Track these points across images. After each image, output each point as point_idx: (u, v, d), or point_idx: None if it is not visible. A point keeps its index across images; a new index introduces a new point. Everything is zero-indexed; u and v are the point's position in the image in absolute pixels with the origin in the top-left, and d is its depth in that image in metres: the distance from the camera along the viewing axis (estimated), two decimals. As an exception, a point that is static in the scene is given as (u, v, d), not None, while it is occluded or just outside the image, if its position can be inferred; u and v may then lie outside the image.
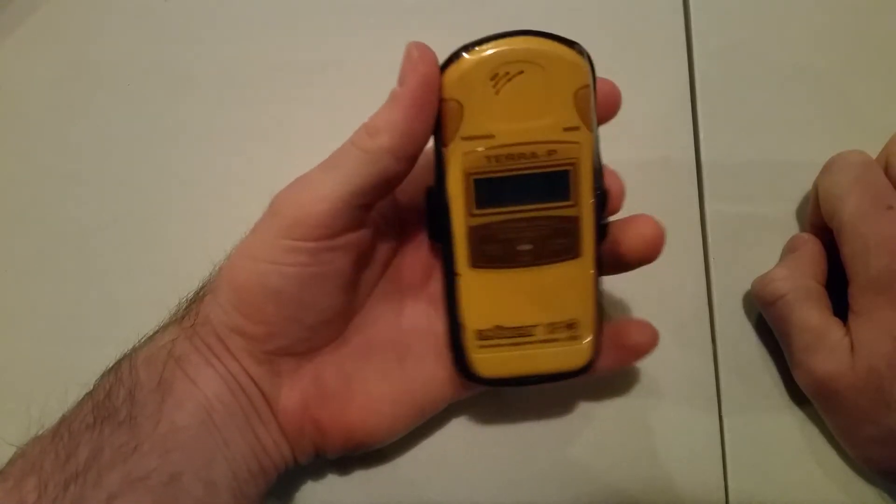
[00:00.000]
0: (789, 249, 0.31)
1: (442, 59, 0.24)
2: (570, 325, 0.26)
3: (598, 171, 0.25)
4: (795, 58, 0.36)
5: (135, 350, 0.26)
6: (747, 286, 0.32)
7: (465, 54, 0.23)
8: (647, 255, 0.26)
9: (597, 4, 0.37)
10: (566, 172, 0.24)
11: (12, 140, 0.36)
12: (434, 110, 0.24)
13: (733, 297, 0.32)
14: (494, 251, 0.25)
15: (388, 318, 0.28)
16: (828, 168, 0.29)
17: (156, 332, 0.26)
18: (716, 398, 0.31)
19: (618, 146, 0.34)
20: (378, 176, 0.24)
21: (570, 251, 0.25)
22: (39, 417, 0.24)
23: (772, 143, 0.34)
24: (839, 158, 0.29)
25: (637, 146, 0.35)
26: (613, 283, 0.32)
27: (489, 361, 0.26)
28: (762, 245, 0.33)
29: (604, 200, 0.25)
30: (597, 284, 0.26)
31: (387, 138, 0.23)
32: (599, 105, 0.25)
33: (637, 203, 0.34)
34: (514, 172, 0.24)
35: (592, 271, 0.25)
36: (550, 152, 0.24)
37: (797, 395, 0.30)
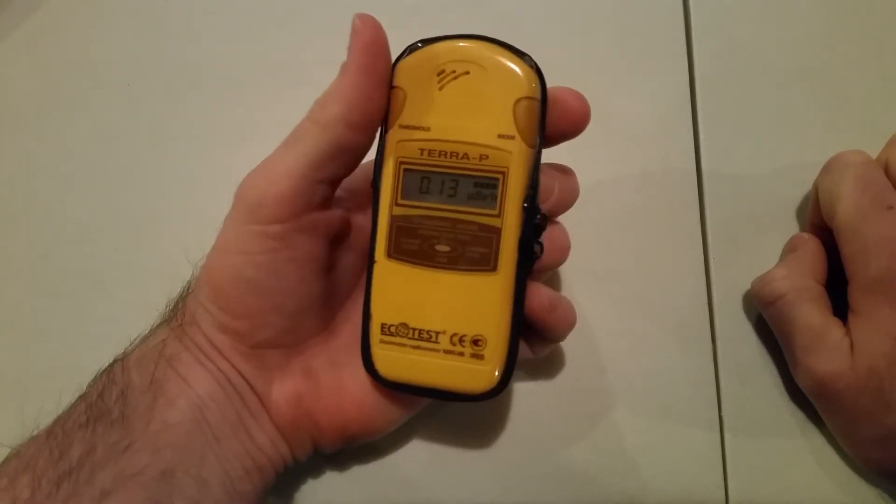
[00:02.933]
0: (789, 249, 0.31)
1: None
2: (476, 342, 0.25)
3: (533, 188, 0.24)
4: (795, 58, 0.36)
5: (127, 352, 0.26)
6: (747, 286, 0.32)
7: (419, 45, 0.24)
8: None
9: (597, 5, 0.37)
10: (495, 180, 0.24)
11: (12, 140, 0.36)
12: (383, 76, 0.24)
13: (733, 297, 0.32)
14: (412, 245, 0.25)
15: None
16: (827, 168, 0.29)
17: (147, 334, 0.27)
18: (716, 398, 0.31)
19: (618, 146, 0.35)
20: (333, 145, 0.24)
21: (486, 263, 0.24)
22: (35, 419, 0.24)
23: (772, 143, 0.34)
24: (839, 158, 0.29)
25: (637, 146, 0.35)
26: (613, 283, 0.32)
27: (389, 360, 0.25)
28: (762, 245, 0.33)
29: (535, 220, 0.24)
30: (515, 308, 0.24)
31: (336, 107, 0.24)
32: (563, 119, 0.25)
33: (637, 202, 0.34)
34: (443, 169, 0.24)
35: (509, 290, 0.24)
36: (482, 157, 0.24)
37: (797, 395, 0.30)
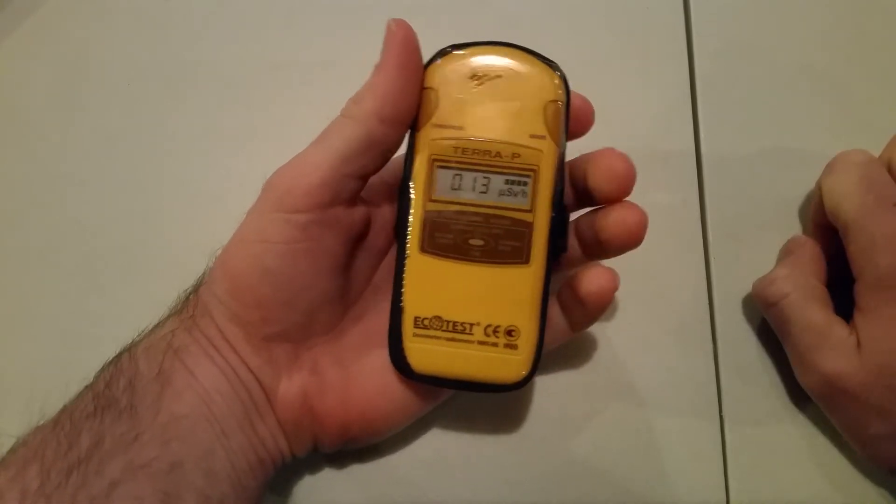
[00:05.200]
0: (786, 252, 0.31)
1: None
2: (510, 332, 0.25)
3: (560, 185, 0.25)
4: (796, 57, 0.36)
5: (134, 343, 0.26)
6: (748, 286, 0.32)
7: (452, 51, 0.26)
8: (629, 243, 0.26)
9: (597, 4, 0.37)
10: (526, 177, 0.25)
11: (12, 140, 0.36)
12: (416, 74, 0.25)
13: (734, 297, 0.32)
14: (445, 240, 0.25)
15: (387, 310, 0.28)
16: (831, 168, 0.29)
17: (155, 326, 0.27)
18: (716, 398, 0.31)
19: (619, 146, 0.35)
20: (364, 139, 0.25)
21: (519, 256, 0.25)
22: (40, 413, 0.24)
23: (772, 142, 0.34)
24: (842, 158, 0.29)
25: (638, 145, 0.35)
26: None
27: (423, 353, 0.26)
28: (763, 245, 0.33)
29: (563, 217, 0.26)
30: (544, 299, 0.26)
31: (370, 101, 0.24)
32: (571, 119, 0.26)
33: (638, 202, 0.34)
34: (476, 167, 0.25)
35: (540, 282, 0.25)
36: (514, 155, 0.25)
37: (798, 396, 0.30)
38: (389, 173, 0.28)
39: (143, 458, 0.23)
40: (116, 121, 0.36)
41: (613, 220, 0.26)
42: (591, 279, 0.26)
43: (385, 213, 0.28)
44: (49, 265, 0.34)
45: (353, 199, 0.26)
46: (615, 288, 0.26)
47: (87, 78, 0.37)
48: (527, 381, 0.26)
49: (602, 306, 0.26)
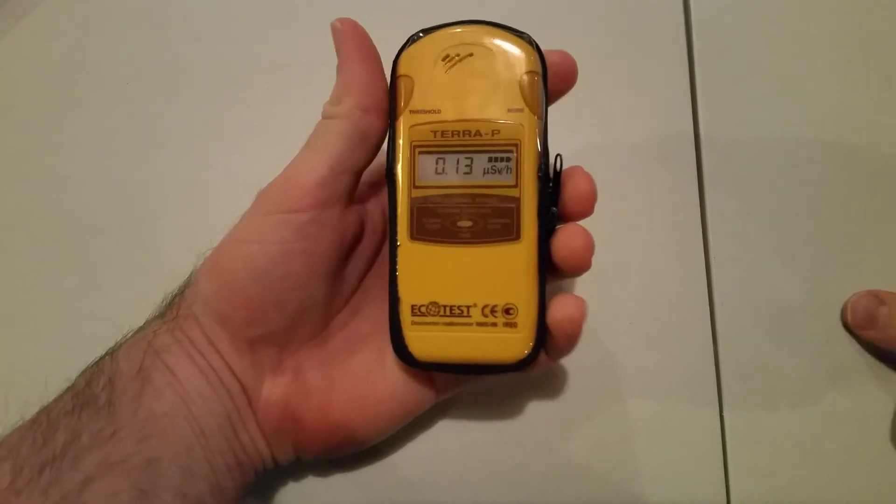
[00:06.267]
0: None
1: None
2: (508, 311, 0.25)
3: (544, 155, 0.25)
4: (797, 55, 0.36)
5: (117, 345, 0.26)
6: (748, 286, 0.32)
7: (422, 35, 0.26)
8: (576, 268, 0.25)
9: (597, 4, 0.37)
10: (509, 153, 0.25)
11: (11, 139, 0.36)
12: (376, 60, 0.26)
13: (734, 297, 0.32)
14: (434, 225, 0.25)
15: (372, 315, 0.28)
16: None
17: (139, 328, 0.26)
18: (717, 398, 0.31)
19: (619, 146, 0.35)
20: (355, 134, 0.25)
21: (509, 232, 0.25)
22: (21, 416, 0.24)
23: (773, 141, 0.34)
24: None
25: (637, 145, 0.35)
26: (614, 283, 0.32)
27: (423, 341, 0.25)
28: (763, 244, 0.32)
29: (550, 185, 0.25)
30: (540, 273, 0.25)
31: (347, 98, 0.25)
32: (554, 76, 0.25)
33: (638, 202, 0.34)
34: (458, 148, 0.25)
35: (534, 257, 0.25)
36: (494, 132, 0.25)
37: (798, 395, 0.30)
38: (378, 174, 0.28)
39: (119, 453, 0.23)
40: (114, 120, 0.36)
41: (561, 244, 0.25)
42: (556, 307, 0.25)
43: (375, 216, 0.28)
44: (44, 266, 0.34)
45: (349, 198, 0.26)
46: (582, 317, 0.24)
47: (85, 77, 0.37)
48: (531, 360, 0.25)
49: (570, 336, 0.25)
